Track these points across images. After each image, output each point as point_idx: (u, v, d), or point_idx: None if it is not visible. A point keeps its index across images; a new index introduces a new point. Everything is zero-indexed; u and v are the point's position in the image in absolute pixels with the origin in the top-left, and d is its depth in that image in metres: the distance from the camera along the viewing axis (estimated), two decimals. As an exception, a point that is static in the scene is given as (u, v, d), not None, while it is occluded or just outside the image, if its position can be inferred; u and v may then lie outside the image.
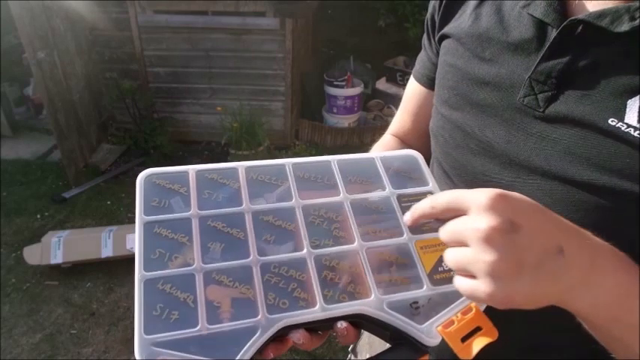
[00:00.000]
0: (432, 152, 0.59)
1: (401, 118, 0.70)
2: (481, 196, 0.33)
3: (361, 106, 3.55)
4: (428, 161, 0.62)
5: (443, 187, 0.55)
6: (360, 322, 0.42)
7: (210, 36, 3.07)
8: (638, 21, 0.37)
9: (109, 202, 2.72)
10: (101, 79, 3.18)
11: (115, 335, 1.92)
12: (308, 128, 3.45)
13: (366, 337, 0.76)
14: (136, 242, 0.43)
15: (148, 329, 0.37)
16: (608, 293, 0.34)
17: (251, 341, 0.38)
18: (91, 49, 3.10)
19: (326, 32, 3.86)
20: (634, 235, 0.39)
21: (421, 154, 0.63)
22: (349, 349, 0.80)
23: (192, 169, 0.49)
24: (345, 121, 3.49)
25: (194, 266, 0.42)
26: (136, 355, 0.36)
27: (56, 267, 2.21)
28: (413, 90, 0.67)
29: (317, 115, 3.59)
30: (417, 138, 0.66)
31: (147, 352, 0.36)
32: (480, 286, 0.32)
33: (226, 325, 0.38)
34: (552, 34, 0.42)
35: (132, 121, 3.18)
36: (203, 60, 3.14)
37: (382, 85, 3.67)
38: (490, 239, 0.31)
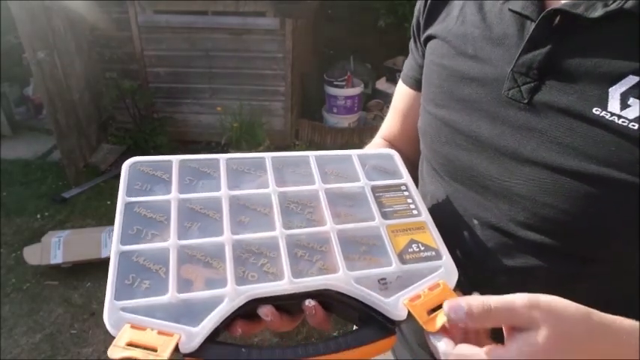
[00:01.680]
0: (421, 151, 0.60)
1: (390, 121, 0.71)
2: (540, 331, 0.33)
3: (361, 106, 3.55)
4: (418, 162, 0.62)
5: (432, 184, 0.56)
6: (329, 303, 0.42)
7: (210, 36, 3.07)
8: (611, 6, 0.38)
9: (109, 202, 2.72)
10: (101, 79, 3.18)
11: (115, 335, 1.91)
12: (308, 128, 3.45)
13: None
14: (116, 220, 0.44)
15: (118, 296, 0.38)
16: None
17: (217, 310, 0.38)
18: (91, 49, 3.10)
19: (326, 32, 3.86)
20: (621, 221, 0.39)
21: (410, 155, 0.64)
22: None
23: (175, 158, 0.51)
24: (345, 121, 3.49)
25: (169, 242, 0.43)
26: (105, 319, 0.37)
27: (56, 267, 2.21)
28: (401, 93, 0.68)
29: (317, 115, 3.59)
30: (406, 139, 0.67)
31: (115, 316, 0.37)
32: None
33: (194, 295, 0.39)
34: (532, 27, 0.43)
35: (132, 121, 3.18)
36: (203, 60, 3.14)
37: (382, 85, 3.67)
38: None
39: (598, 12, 0.39)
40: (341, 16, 3.83)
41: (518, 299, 0.34)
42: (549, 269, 0.45)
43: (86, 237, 2.28)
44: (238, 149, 2.97)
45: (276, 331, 0.43)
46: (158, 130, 3.18)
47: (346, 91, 3.38)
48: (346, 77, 3.40)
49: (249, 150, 2.96)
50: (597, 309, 0.35)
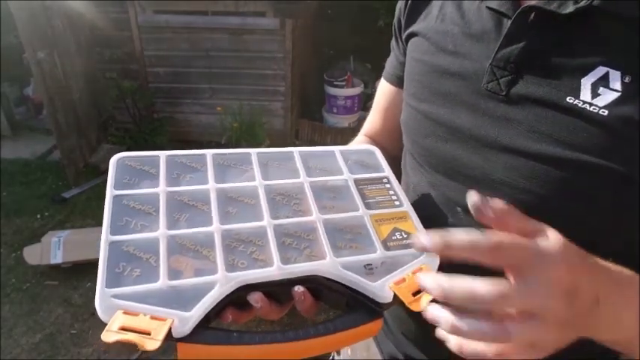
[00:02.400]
0: (404, 144, 0.62)
1: (372, 118, 0.74)
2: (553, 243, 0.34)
3: (361, 106, 3.55)
4: (400, 157, 0.64)
5: (415, 176, 0.57)
6: (317, 290, 0.43)
7: (210, 36, 3.07)
8: (581, 3, 0.41)
9: (109, 202, 2.72)
10: (101, 79, 3.18)
11: (115, 335, 1.91)
12: (308, 128, 3.46)
13: None
14: (105, 213, 0.44)
15: (109, 284, 0.39)
16: (631, 322, 0.36)
17: (208, 295, 0.39)
18: (91, 48, 3.10)
19: (326, 32, 3.86)
20: (595, 203, 0.42)
21: (393, 150, 0.66)
22: None
23: (163, 153, 0.52)
24: (345, 121, 3.49)
25: (158, 232, 0.43)
26: (96, 306, 0.37)
27: (56, 267, 2.21)
28: (383, 90, 0.70)
29: (317, 115, 3.59)
30: (388, 135, 0.69)
31: (106, 303, 0.37)
32: (549, 331, 0.32)
33: (185, 281, 0.40)
34: (508, 23, 0.46)
35: (132, 121, 3.18)
36: (203, 60, 3.14)
37: (382, 85, 3.66)
38: (565, 288, 0.32)
39: (569, 8, 0.41)
40: (341, 16, 3.83)
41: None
42: None
43: (86, 237, 2.28)
44: (238, 149, 2.97)
45: (266, 318, 0.44)
46: (158, 130, 3.18)
47: (346, 91, 3.39)
48: (346, 77, 3.40)
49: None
50: None
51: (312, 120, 3.48)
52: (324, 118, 3.57)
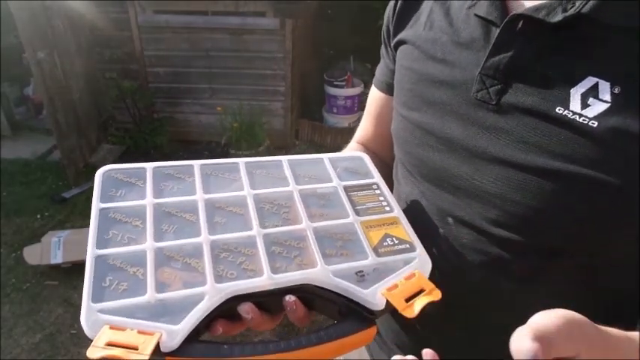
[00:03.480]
0: (395, 153, 0.61)
1: (364, 125, 0.73)
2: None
3: (361, 106, 3.55)
4: (392, 165, 0.64)
5: (407, 186, 0.57)
6: (308, 298, 0.43)
7: (210, 36, 3.07)
8: (570, 11, 0.40)
9: (109, 202, 2.72)
10: (101, 79, 3.18)
11: (115, 335, 1.91)
12: (308, 128, 3.45)
13: None
14: (91, 226, 0.44)
15: (95, 298, 0.38)
16: None
17: (197, 308, 0.38)
18: (91, 48, 3.10)
19: (326, 32, 3.86)
20: (584, 215, 0.41)
21: (385, 157, 0.66)
22: None
23: (149, 165, 0.51)
24: (345, 121, 3.49)
25: (145, 244, 0.43)
26: (82, 321, 0.37)
27: (56, 267, 2.21)
28: (374, 97, 0.70)
29: (317, 115, 3.59)
30: (380, 143, 0.68)
31: (92, 318, 0.37)
32: None
33: (174, 294, 0.39)
34: (497, 31, 0.45)
35: (132, 121, 3.18)
36: (203, 60, 3.14)
37: (382, 85, 3.67)
38: None
39: (558, 17, 0.41)
40: (341, 16, 3.82)
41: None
42: (520, 264, 0.46)
43: (86, 237, 2.26)
44: (238, 149, 2.97)
45: (257, 330, 0.43)
46: (158, 130, 3.18)
47: (346, 91, 3.38)
48: (346, 77, 3.40)
49: (250, 150, 2.96)
50: (570, 303, 0.35)
51: (312, 120, 3.47)
52: (324, 118, 3.57)
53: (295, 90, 3.29)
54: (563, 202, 0.41)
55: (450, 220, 0.50)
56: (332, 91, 3.40)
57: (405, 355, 0.61)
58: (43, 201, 2.77)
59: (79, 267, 2.21)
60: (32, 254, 2.20)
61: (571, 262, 0.44)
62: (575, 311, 0.32)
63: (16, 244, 2.41)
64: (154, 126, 3.20)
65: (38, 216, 2.65)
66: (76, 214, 2.65)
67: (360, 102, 3.51)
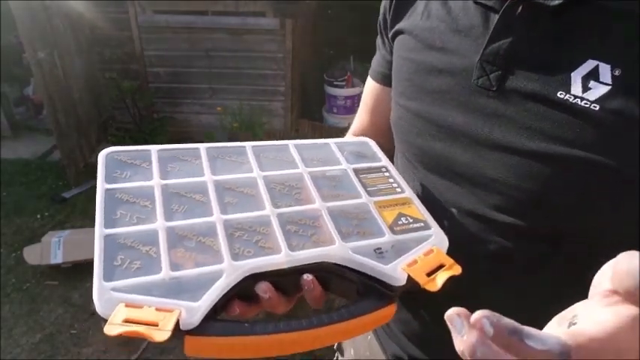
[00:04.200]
0: (395, 144, 0.61)
1: (360, 117, 0.73)
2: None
3: (361, 106, 3.55)
4: (391, 156, 0.63)
5: (407, 175, 0.57)
6: (326, 278, 0.42)
7: (210, 36, 3.07)
8: None
9: (109, 202, 2.72)
10: (101, 79, 3.18)
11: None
12: (308, 128, 3.45)
13: None
14: (97, 207, 0.42)
15: (107, 277, 0.36)
16: None
17: (216, 285, 0.37)
18: (91, 48, 3.10)
19: (326, 32, 3.86)
20: (587, 199, 0.41)
21: (381, 148, 0.65)
22: (334, 347, 0.81)
23: (154, 147, 0.50)
24: (345, 121, 3.49)
25: (157, 223, 0.41)
26: (95, 300, 0.35)
27: (56, 267, 2.21)
28: (370, 88, 0.70)
29: (317, 115, 3.59)
30: (376, 133, 0.68)
31: (106, 297, 0.35)
32: None
33: (191, 272, 0.38)
34: (496, 17, 0.45)
35: (132, 121, 3.18)
36: (203, 60, 3.14)
37: (382, 85, 3.66)
38: None
39: (557, 0, 0.40)
40: (341, 16, 3.83)
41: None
42: (525, 251, 0.46)
43: (86, 237, 2.27)
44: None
45: (273, 311, 0.43)
46: (158, 130, 3.18)
47: (346, 91, 3.38)
48: (346, 77, 3.40)
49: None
50: (572, 288, 0.34)
51: (312, 120, 3.47)
52: (324, 118, 3.57)
53: (295, 90, 3.29)
54: (566, 186, 0.41)
55: (453, 210, 0.50)
56: (332, 91, 3.40)
57: (416, 347, 0.58)
58: (43, 201, 2.77)
59: (79, 267, 2.21)
60: (32, 254, 2.20)
61: (575, 248, 0.45)
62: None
63: (16, 244, 2.41)
64: (154, 126, 3.20)
65: (38, 216, 2.65)
66: (76, 214, 2.65)
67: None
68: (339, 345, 0.79)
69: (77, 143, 2.93)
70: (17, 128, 3.54)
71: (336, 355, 0.81)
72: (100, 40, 3.10)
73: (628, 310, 0.26)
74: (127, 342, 1.87)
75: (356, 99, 3.43)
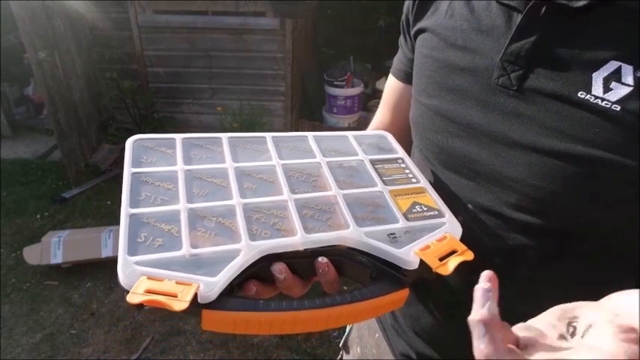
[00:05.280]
0: (413, 140, 0.62)
1: (380, 114, 0.74)
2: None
3: (361, 106, 3.54)
4: (409, 154, 0.64)
5: (424, 172, 0.58)
6: (340, 262, 0.43)
7: (210, 36, 3.07)
8: None
9: (109, 202, 2.72)
10: (101, 79, 3.18)
11: (115, 335, 1.91)
12: (308, 128, 3.45)
13: (356, 330, 0.77)
14: (123, 188, 0.45)
15: (131, 252, 0.39)
16: None
17: (233, 262, 0.39)
18: (91, 48, 3.10)
19: (326, 32, 3.87)
20: (605, 199, 0.41)
21: (401, 145, 0.66)
22: (340, 344, 0.80)
23: (179, 136, 0.53)
24: (345, 121, 3.49)
25: (179, 205, 0.44)
26: (119, 272, 0.37)
27: (56, 267, 2.21)
28: (391, 86, 0.70)
29: (317, 115, 3.59)
30: (396, 131, 0.69)
31: (129, 269, 0.37)
32: None
33: (210, 249, 0.40)
34: (519, 17, 0.45)
35: (132, 121, 3.18)
36: (203, 60, 3.14)
37: (382, 85, 3.65)
38: None
39: (581, 1, 0.41)
40: (341, 16, 3.83)
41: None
42: (541, 248, 0.47)
43: (86, 237, 2.28)
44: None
45: (288, 294, 0.44)
46: (158, 130, 3.18)
47: (346, 91, 3.38)
48: (346, 77, 3.40)
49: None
50: (583, 285, 0.35)
51: (312, 120, 3.47)
52: (324, 118, 3.57)
53: (295, 90, 3.29)
54: (585, 186, 0.42)
55: (470, 207, 0.51)
56: (332, 91, 3.40)
57: (425, 344, 0.58)
58: (43, 201, 2.77)
59: (79, 267, 2.22)
60: (32, 254, 2.20)
61: (591, 247, 0.45)
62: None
63: (16, 244, 2.41)
64: (154, 126, 3.20)
65: (38, 216, 2.65)
66: (76, 214, 2.65)
67: (360, 102, 3.51)
68: (345, 343, 0.80)
69: (77, 143, 2.93)
70: (17, 128, 3.54)
71: (340, 353, 0.81)
72: (100, 40, 3.10)
73: None
74: (129, 339, 1.88)
75: (356, 99, 3.44)
